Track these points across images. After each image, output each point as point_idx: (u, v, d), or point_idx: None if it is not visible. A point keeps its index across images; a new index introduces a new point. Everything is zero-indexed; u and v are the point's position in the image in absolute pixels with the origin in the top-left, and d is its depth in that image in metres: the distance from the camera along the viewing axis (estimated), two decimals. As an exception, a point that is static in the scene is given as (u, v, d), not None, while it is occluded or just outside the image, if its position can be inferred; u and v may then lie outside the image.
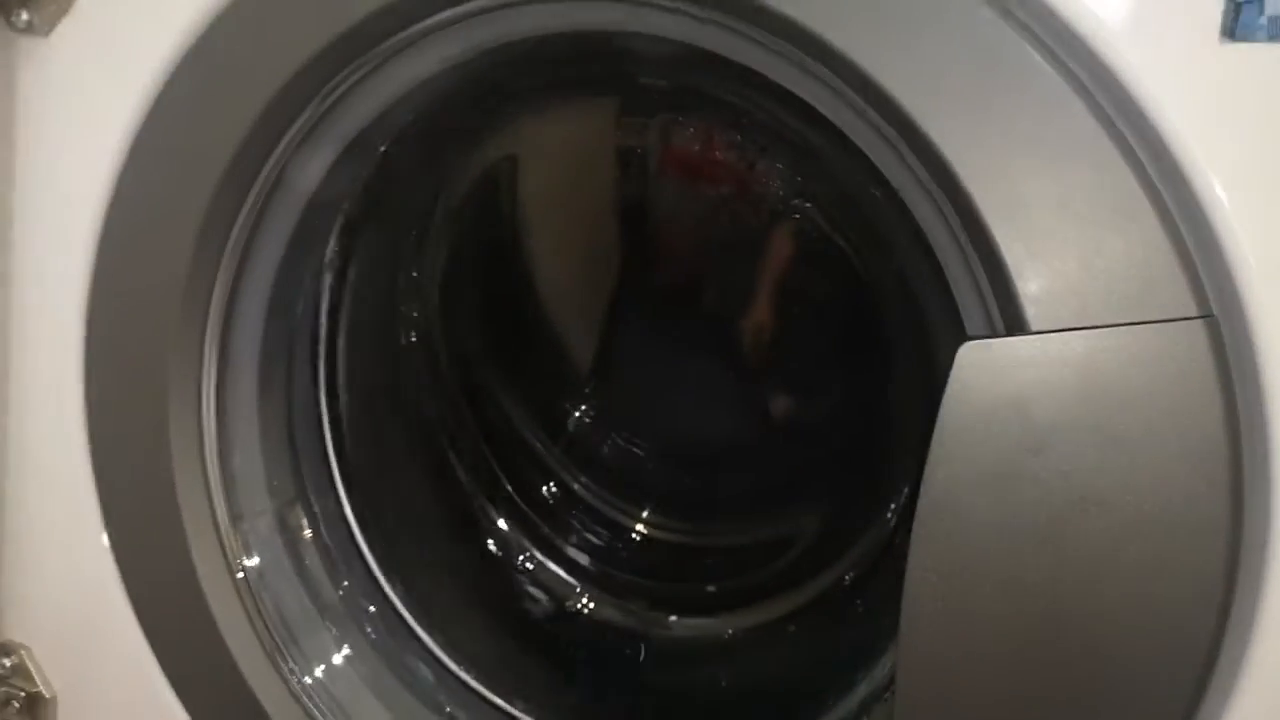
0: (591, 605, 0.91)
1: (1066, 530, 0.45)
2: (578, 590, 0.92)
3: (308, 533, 0.74)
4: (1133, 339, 0.44)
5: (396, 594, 0.77)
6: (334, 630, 0.72)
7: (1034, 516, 0.46)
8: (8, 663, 0.70)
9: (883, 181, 0.54)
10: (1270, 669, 0.45)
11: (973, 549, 0.47)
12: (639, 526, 0.98)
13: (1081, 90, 0.45)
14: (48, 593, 0.70)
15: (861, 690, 0.64)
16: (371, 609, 0.76)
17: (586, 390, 1.01)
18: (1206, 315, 0.43)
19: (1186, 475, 0.44)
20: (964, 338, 0.48)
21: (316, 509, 0.75)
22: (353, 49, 0.56)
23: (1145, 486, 0.44)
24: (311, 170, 0.61)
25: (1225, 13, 0.43)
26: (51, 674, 0.70)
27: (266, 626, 0.66)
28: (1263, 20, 0.42)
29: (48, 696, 0.70)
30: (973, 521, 0.47)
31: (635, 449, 1.01)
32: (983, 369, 0.47)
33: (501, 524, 0.93)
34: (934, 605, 0.47)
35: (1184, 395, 0.44)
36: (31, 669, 0.70)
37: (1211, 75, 0.43)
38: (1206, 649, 0.45)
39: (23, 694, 0.70)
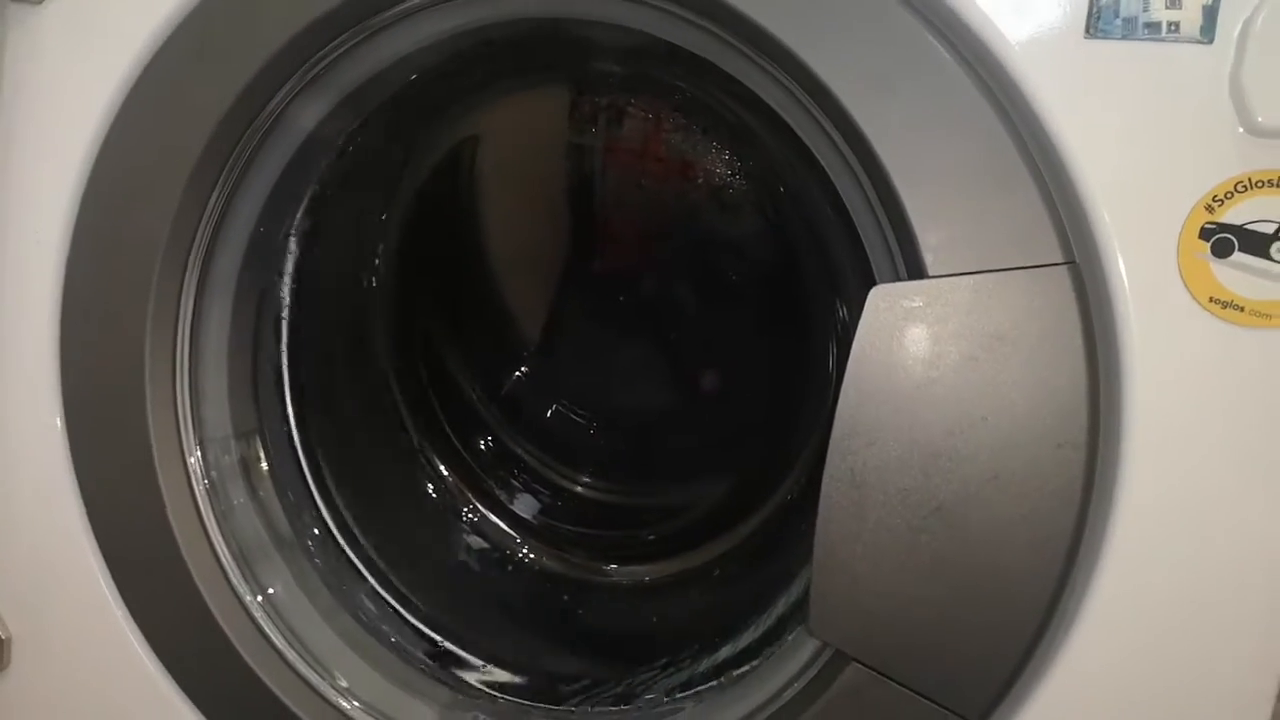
0: (531, 555, 0.97)
1: (956, 444, 0.54)
2: (518, 541, 0.98)
3: (264, 465, 0.78)
4: (1011, 280, 0.53)
5: (341, 531, 0.82)
6: (285, 558, 0.75)
7: (929, 433, 0.54)
8: (-38, 607, 0.69)
9: (809, 158, 0.62)
10: (1123, 562, 0.53)
11: (878, 461, 0.55)
12: (577, 488, 1.04)
13: (974, 75, 0.54)
14: (8, 535, 0.70)
15: (780, 607, 0.71)
16: (319, 542, 0.80)
17: (528, 355, 1.07)
18: (1070, 261, 0.52)
19: (1054, 395, 0.53)
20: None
21: (271, 443, 0.79)
22: (333, 28, 0.62)
23: (1020, 406, 0.53)
24: (304, 119, 0.66)
25: (1089, 13, 0.52)
26: (9, 615, 0.71)
27: (227, 552, 0.70)
28: (1118, 21, 0.52)
29: (3, 637, 0.70)
30: (879, 437, 0.55)
31: (574, 415, 1.07)
32: (889, 308, 0.55)
33: (445, 474, 0.99)
34: (844, 509, 0.55)
35: (1052, 327, 0.52)
36: (-13, 612, 0.70)
37: (1078, 63, 0.52)
38: (1068, 546, 0.54)
39: (-24, 636, 0.69)
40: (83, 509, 0.68)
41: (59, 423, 0.67)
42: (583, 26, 0.70)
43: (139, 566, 0.68)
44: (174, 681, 0.68)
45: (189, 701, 0.68)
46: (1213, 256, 0.52)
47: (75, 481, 0.68)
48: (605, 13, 0.65)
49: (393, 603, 0.82)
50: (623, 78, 0.85)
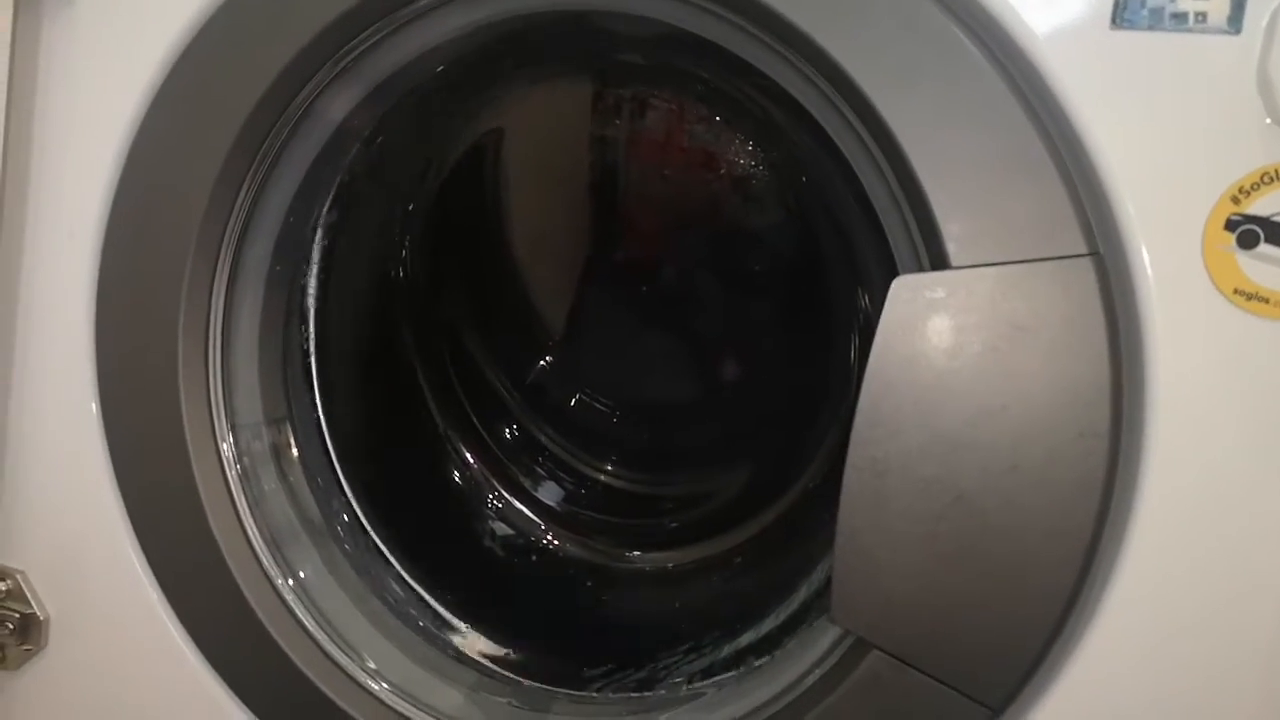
0: (555, 542, 0.98)
1: (977, 434, 0.54)
2: (542, 528, 0.99)
3: (294, 451, 0.79)
4: (1035, 271, 0.53)
5: (368, 517, 0.83)
6: (315, 543, 0.77)
7: (951, 423, 0.54)
8: (2, 587, 0.72)
9: (831, 149, 0.62)
10: (1145, 553, 0.54)
11: (899, 450, 0.55)
12: (601, 476, 1.05)
13: (998, 66, 0.54)
14: (46, 518, 0.72)
15: (802, 595, 0.72)
16: (347, 527, 0.82)
17: (552, 345, 1.09)
18: (1094, 253, 0.52)
19: (1076, 386, 0.53)
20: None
21: (301, 430, 0.80)
22: (363, 20, 0.63)
23: (1041, 396, 0.53)
24: (333, 111, 0.68)
25: (1115, 3, 0.52)
26: (46, 596, 0.73)
27: (258, 536, 0.71)
28: (1144, 11, 0.52)
29: (41, 618, 0.72)
30: (901, 427, 0.55)
31: (597, 404, 1.08)
32: (912, 298, 0.55)
33: (471, 461, 1.00)
34: (866, 498, 0.55)
35: (1075, 318, 0.52)
36: (26, 592, 0.72)
37: (1103, 54, 0.52)
38: (1089, 536, 0.54)
39: (17, 616, 0.72)
40: (118, 493, 0.70)
41: (95, 408, 0.69)
42: (607, 18, 0.71)
43: (173, 550, 0.70)
44: (207, 661, 0.70)
45: (221, 681, 0.70)
46: (1238, 248, 0.52)
47: (110, 466, 0.69)
48: (630, 5, 0.65)
49: (419, 588, 0.83)
50: (646, 69, 0.85)
